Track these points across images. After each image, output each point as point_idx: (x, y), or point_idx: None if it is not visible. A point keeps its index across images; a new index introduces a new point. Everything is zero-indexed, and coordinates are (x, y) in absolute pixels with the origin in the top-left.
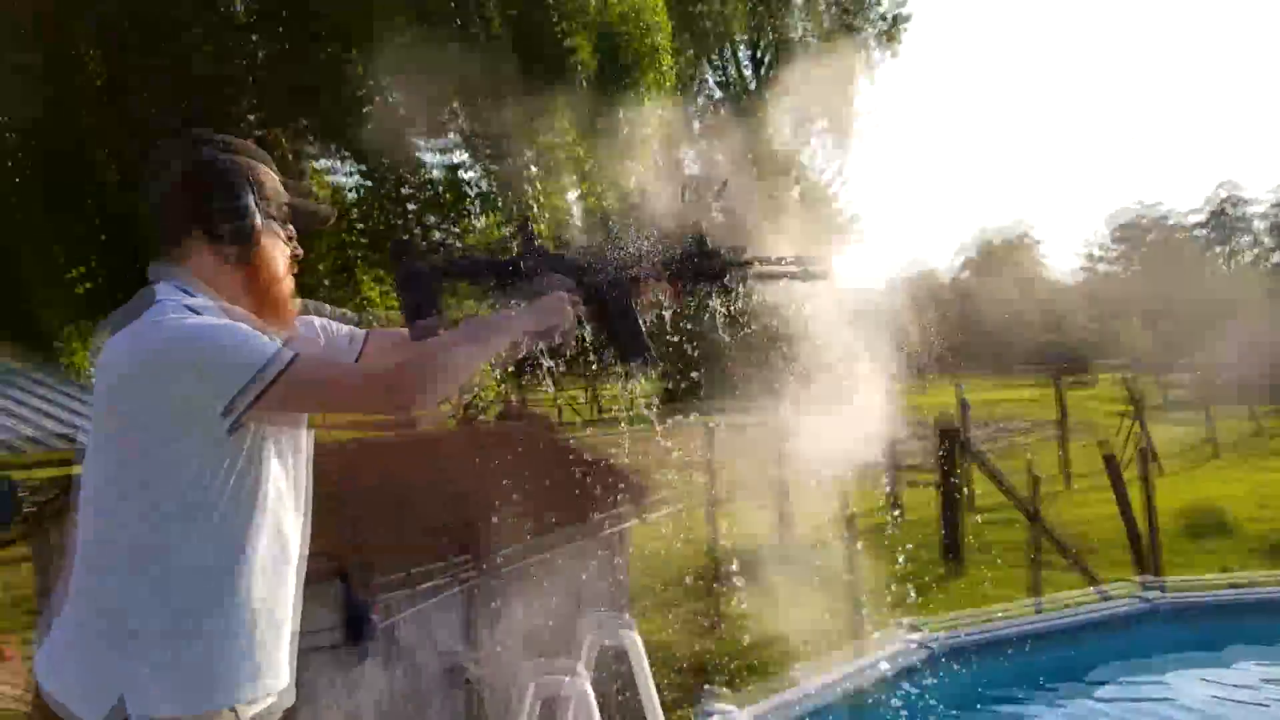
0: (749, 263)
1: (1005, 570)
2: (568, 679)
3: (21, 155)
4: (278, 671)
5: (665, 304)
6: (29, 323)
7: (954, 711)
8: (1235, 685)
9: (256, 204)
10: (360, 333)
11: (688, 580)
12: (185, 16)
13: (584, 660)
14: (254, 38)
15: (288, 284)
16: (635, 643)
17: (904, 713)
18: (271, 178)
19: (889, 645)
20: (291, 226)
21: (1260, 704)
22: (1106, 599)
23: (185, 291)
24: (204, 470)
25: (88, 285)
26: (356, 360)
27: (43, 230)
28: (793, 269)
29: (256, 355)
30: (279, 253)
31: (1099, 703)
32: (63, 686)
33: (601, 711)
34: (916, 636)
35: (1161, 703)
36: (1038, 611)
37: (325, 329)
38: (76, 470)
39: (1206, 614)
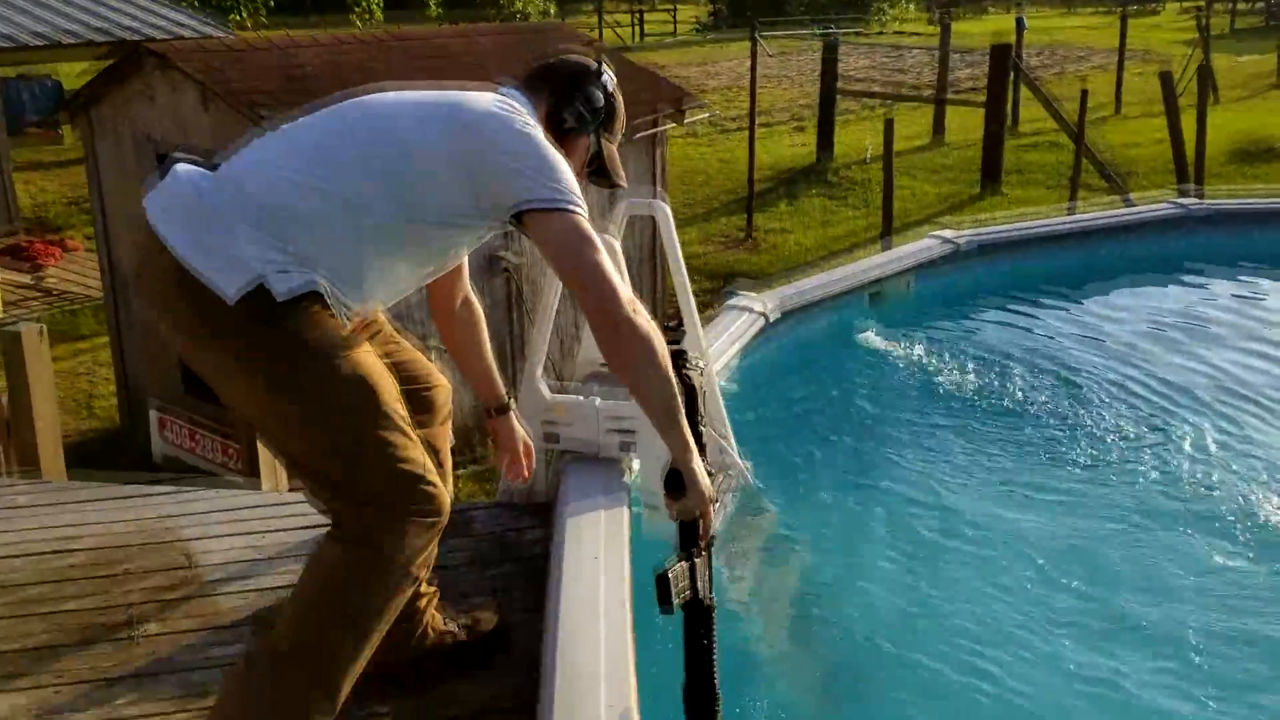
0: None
1: (1042, 191)
2: (604, 238)
3: None
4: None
5: None
6: None
7: (972, 301)
8: (1265, 293)
9: (589, 112)
10: None
11: (725, 198)
12: None
13: (617, 224)
14: None
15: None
16: (665, 212)
17: (922, 301)
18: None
19: (915, 244)
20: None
21: None
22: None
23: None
24: (438, 209)
25: None
26: None
27: None
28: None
29: (568, 185)
30: (582, 150)
31: (1119, 300)
32: (198, 252)
33: None
34: (945, 234)
35: (1189, 305)
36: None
37: None
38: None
39: (1240, 221)
